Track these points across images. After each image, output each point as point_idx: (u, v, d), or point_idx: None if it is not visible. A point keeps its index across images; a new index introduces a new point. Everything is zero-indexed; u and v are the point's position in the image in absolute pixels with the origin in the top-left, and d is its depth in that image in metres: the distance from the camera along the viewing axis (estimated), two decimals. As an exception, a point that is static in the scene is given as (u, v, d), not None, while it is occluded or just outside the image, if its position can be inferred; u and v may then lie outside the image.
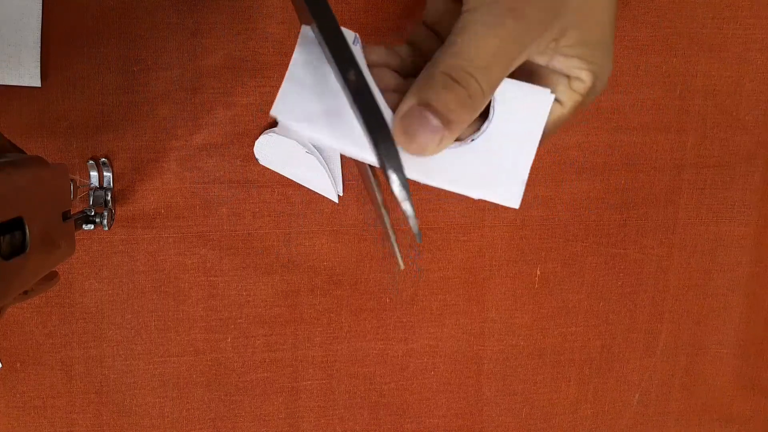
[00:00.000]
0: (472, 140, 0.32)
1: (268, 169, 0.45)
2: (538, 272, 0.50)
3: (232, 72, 0.44)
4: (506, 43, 0.29)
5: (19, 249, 0.28)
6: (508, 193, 0.32)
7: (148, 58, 0.43)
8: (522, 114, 0.32)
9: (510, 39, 0.29)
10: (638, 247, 0.51)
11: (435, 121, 0.29)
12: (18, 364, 0.45)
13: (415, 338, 0.49)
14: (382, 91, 0.31)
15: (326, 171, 0.45)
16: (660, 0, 0.47)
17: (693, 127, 0.49)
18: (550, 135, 0.34)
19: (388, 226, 0.41)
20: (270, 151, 0.44)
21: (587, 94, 0.33)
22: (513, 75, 0.31)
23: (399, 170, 0.28)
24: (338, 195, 0.46)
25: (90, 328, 0.46)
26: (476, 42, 0.29)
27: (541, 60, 0.32)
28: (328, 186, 0.46)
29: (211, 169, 0.45)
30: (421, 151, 0.29)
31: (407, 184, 0.28)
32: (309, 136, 0.31)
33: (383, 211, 0.40)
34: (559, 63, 0.32)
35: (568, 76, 0.32)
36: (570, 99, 0.33)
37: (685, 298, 0.52)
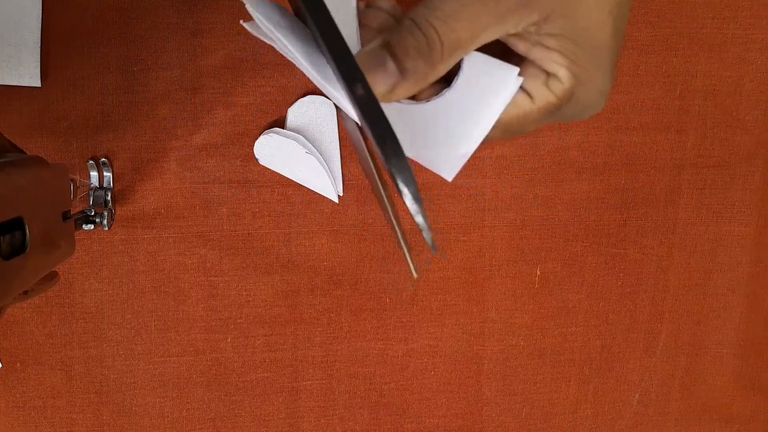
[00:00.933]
0: (428, 102, 0.31)
1: (268, 169, 0.45)
2: (538, 272, 0.50)
3: (232, 72, 0.44)
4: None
5: (19, 249, 0.28)
6: (444, 162, 0.30)
7: (148, 58, 0.43)
8: (484, 87, 0.31)
9: None
10: (638, 247, 0.51)
11: (391, 65, 0.28)
12: (18, 364, 0.45)
13: (415, 338, 0.49)
14: (366, 27, 0.31)
15: (326, 171, 0.45)
16: (660, 0, 0.47)
17: (693, 127, 0.49)
18: (517, 133, 0.33)
19: (400, 237, 0.41)
20: (270, 151, 0.44)
21: (563, 96, 0.31)
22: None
23: (411, 183, 0.27)
24: (338, 195, 0.46)
25: (90, 328, 0.46)
26: None
27: (521, 47, 0.31)
28: (328, 186, 0.46)
29: (211, 169, 0.45)
30: None
31: (420, 196, 0.27)
32: (273, 36, 0.30)
33: (394, 222, 0.40)
34: (539, 54, 0.30)
35: (547, 74, 0.31)
36: (542, 96, 0.31)
37: (685, 298, 0.52)
